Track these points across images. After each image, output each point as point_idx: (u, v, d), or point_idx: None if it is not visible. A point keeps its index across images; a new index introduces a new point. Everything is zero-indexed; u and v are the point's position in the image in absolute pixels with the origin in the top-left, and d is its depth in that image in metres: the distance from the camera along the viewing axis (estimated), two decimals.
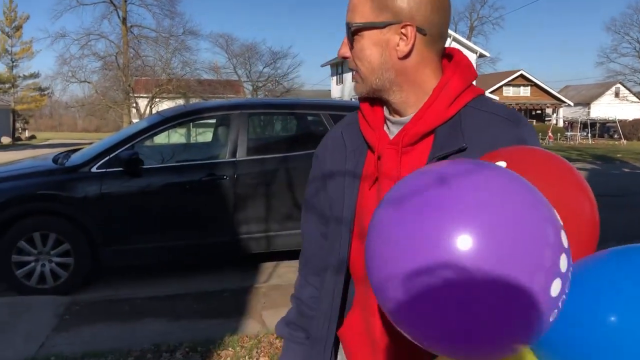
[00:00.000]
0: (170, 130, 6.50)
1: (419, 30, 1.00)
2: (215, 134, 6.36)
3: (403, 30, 1.00)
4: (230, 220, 5.21)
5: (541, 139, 33.51)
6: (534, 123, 41.64)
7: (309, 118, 5.98)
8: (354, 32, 1.04)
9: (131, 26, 34.45)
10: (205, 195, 5.17)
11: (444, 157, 0.99)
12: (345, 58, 1.09)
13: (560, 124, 43.32)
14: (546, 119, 44.86)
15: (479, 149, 0.95)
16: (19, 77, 47.62)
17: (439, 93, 1.03)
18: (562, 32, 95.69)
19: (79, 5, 33.03)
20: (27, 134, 46.09)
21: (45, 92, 47.27)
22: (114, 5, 33.69)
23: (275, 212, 5.32)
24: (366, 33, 1.03)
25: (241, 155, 5.27)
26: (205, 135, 11.14)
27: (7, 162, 10.82)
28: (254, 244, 5.29)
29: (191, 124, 8.79)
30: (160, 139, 5.83)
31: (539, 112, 45.32)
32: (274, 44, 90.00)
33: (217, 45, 41.40)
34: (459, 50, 1.09)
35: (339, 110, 5.76)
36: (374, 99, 1.11)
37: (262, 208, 5.29)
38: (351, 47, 1.07)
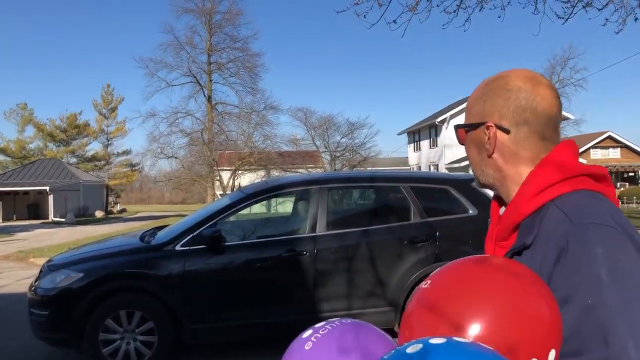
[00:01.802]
0: None
1: (501, 128, 1.07)
2: (295, 208, 6.37)
3: (486, 131, 1.08)
4: (311, 296, 5.09)
5: (637, 202, 31.43)
6: (627, 186, 39.27)
7: (389, 191, 5.88)
8: (458, 131, 1.17)
9: (216, 104, 36.41)
10: (286, 271, 5.11)
11: (516, 253, 1.01)
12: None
13: None
14: None
15: (542, 248, 0.95)
16: (113, 154, 51.33)
17: (523, 188, 1.04)
18: None
19: (168, 86, 35.45)
20: (118, 207, 48.85)
21: (136, 168, 50.45)
22: (200, 85, 35.87)
23: (358, 288, 5.16)
24: (469, 133, 1.14)
25: (321, 229, 5.22)
26: (285, 205, 11.27)
27: (100, 238, 11.36)
28: None
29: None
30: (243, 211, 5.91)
31: (631, 174, 42.80)
32: (351, 114, 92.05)
33: (296, 118, 42.68)
34: (562, 145, 1.07)
35: (419, 182, 5.63)
36: None
37: (343, 284, 5.15)
38: (462, 144, 1.19)
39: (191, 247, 5.00)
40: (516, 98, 1.04)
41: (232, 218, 5.79)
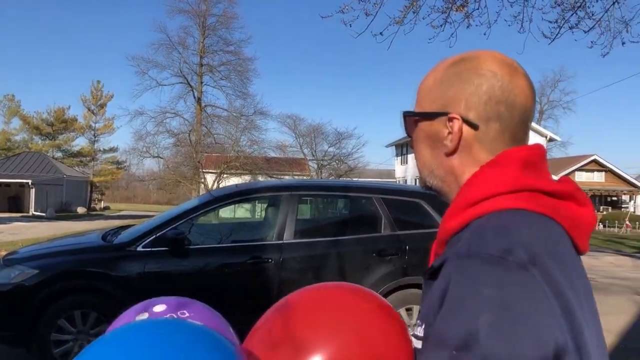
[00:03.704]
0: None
1: (468, 123, 0.85)
2: (265, 215, 6.26)
3: (449, 123, 0.86)
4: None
5: (618, 226, 31.65)
6: (610, 210, 39.59)
7: (362, 201, 5.79)
8: (406, 119, 0.94)
9: (205, 106, 36.27)
10: (249, 278, 4.98)
11: (432, 275, 0.80)
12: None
13: (639, 211, 40.98)
14: (622, 205, 42.60)
15: (443, 274, 0.75)
16: (99, 151, 50.92)
17: (456, 198, 0.84)
18: (637, 116, 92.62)
19: (158, 86, 35.27)
20: (102, 204, 48.34)
21: (122, 166, 50.03)
22: (191, 86, 35.74)
23: None
24: (420, 124, 0.91)
25: (288, 237, 5.10)
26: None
27: (73, 233, 11.16)
28: None
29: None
30: (225, 213, 5.78)
31: (614, 198, 43.18)
32: (339, 124, 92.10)
33: (285, 125, 42.58)
34: (517, 150, 0.85)
35: (391, 194, 5.54)
36: None
37: None
38: (410, 137, 0.96)
39: (153, 249, 4.86)
40: (490, 87, 0.83)
41: (204, 220, 5.66)
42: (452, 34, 8.04)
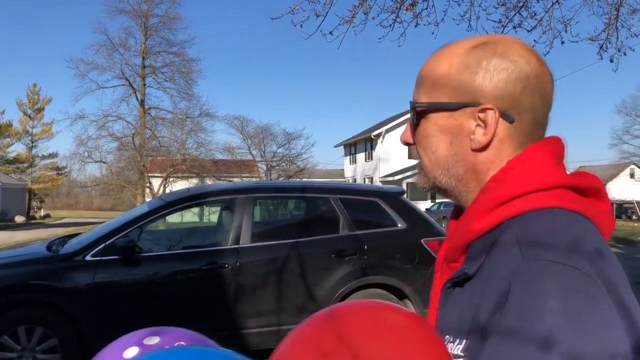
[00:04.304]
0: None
1: (504, 115, 0.75)
2: (219, 219, 6.09)
3: (481, 115, 0.76)
4: (232, 312, 4.82)
5: None
6: None
7: (319, 202, 5.71)
8: (418, 114, 0.82)
9: (149, 108, 35.45)
10: (206, 285, 4.82)
11: (458, 283, 0.75)
12: (407, 145, 0.86)
13: None
14: None
15: (482, 287, 0.69)
16: (38, 157, 48.92)
17: (480, 197, 0.76)
18: (574, 112, 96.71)
19: (99, 88, 34.20)
20: (42, 212, 46.41)
21: (62, 172, 48.23)
22: (133, 88, 34.85)
23: (283, 303, 4.93)
24: (433, 116, 0.80)
25: (245, 241, 4.97)
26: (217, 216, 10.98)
27: (13, 244, 10.61)
28: (259, 339, 4.86)
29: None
30: (172, 219, 5.57)
31: None
32: (288, 125, 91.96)
33: (232, 126, 42.11)
34: (540, 144, 0.77)
35: (348, 194, 5.49)
36: None
37: (268, 299, 4.91)
38: (414, 132, 0.84)
39: (102, 258, 4.63)
40: (525, 74, 0.75)
41: (152, 227, 5.45)
42: (402, 33, 8.10)
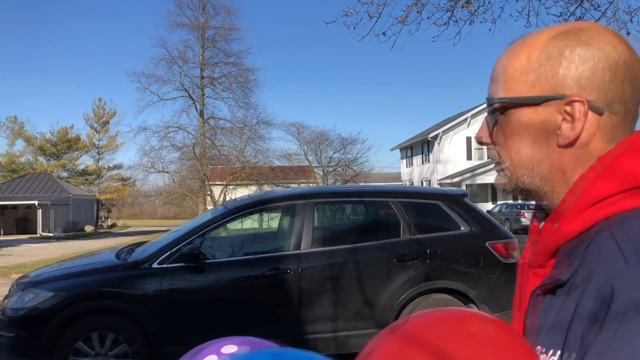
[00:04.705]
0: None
1: (592, 107, 0.69)
2: (280, 224, 6.14)
3: (568, 108, 0.70)
4: (295, 317, 4.84)
5: None
6: None
7: (379, 206, 5.66)
8: (496, 110, 0.77)
9: (208, 118, 36.24)
10: (268, 290, 4.86)
11: (550, 290, 0.69)
12: (482, 144, 0.80)
13: None
14: None
15: (579, 293, 0.63)
16: (104, 168, 51.09)
17: (569, 197, 0.70)
18: None
19: (160, 100, 35.23)
20: (109, 222, 48.37)
21: (127, 182, 50.12)
22: (193, 99, 35.72)
23: (344, 309, 4.91)
24: (514, 112, 0.75)
25: (306, 246, 4.97)
26: (277, 221, 11.09)
27: (85, 253, 11.07)
28: (321, 345, 4.85)
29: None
30: (232, 225, 5.67)
31: None
32: (343, 130, 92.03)
33: (289, 133, 42.49)
34: (634, 137, 0.71)
35: (409, 197, 5.42)
36: None
37: (329, 304, 4.90)
38: (492, 131, 0.79)
39: (169, 265, 4.74)
40: (614, 62, 0.69)
41: (215, 234, 5.55)
42: (457, 32, 7.94)
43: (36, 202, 33.61)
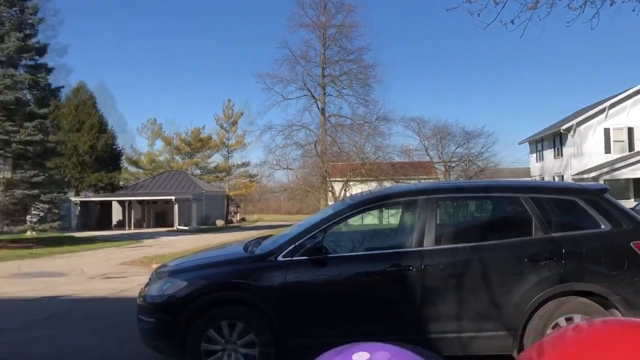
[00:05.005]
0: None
1: None
2: (401, 220, 6.03)
3: None
4: (417, 316, 4.72)
5: None
6: None
7: (507, 202, 5.34)
8: None
9: (329, 116, 36.87)
10: (390, 287, 4.78)
11: None
12: None
13: None
14: None
15: None
16: (233, 166, 54.03)
17: None
18: None
19: (284, 100, 36.42)
20: (238, 216, 50.96)
21: (254, 179, 52.53)
22: (314, 98, 36.51)
23: (470, 310, 4.69)
24: None
25: (429, 244, 4.83)
26: (397, 217, 10.97)
27: (217, 246, 11.70)
28: (445, 345, 4.68)
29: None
30: (352, 221, 5.67)
31: None
32: (466, 123, 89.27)
33: (409, 128, 41.96)
34: None
35: (541, 192, 5.06)
36: None
37: (453, 304, 4.71)
38: None
39: (292, 258, 4.83)
40: None
41: (336, 229, 5.57)
42: (595, 14, 7.31)
43: (173, 198, 36.29)
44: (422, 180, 35.43)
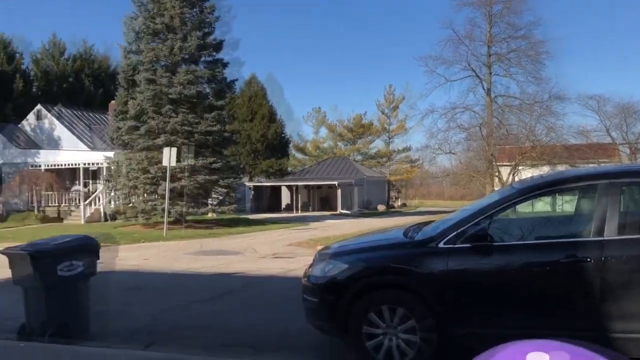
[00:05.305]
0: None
1: None
2: (577, 207, 5.51)
3: None
4: (594, 312, 4.29)
5: None
6: None
7: None
8: None
9: (495, 96, 35.07)
10: (562, 280, 4.41)
11: None
12: None
13: None
14: None
15: None
16: (394, 151, 54.16)
17: None
18: None
19: (447, 82, 35.38)
20: (399, 202, 51.04)
21: (415, 164, 52.12)
22: (479, 78, 34.97)
23: None
24: None
25: (610, 233, 4.35)
26: (572, 204, 10.11)
27: (377, 230, 11.82)
28: (629, 346, 4.19)
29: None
30: (522, 208, 5.34)
31: None
32: None
33: (587, 107, 38.17)
34: None
35: None
36: None
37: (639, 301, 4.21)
38: None
39: (455, 245, 4.67)
40: None
41: (503, 216, 5.27)
42: None
43: (336, 183, 37.43)
44: (603, 164, 32.22)
